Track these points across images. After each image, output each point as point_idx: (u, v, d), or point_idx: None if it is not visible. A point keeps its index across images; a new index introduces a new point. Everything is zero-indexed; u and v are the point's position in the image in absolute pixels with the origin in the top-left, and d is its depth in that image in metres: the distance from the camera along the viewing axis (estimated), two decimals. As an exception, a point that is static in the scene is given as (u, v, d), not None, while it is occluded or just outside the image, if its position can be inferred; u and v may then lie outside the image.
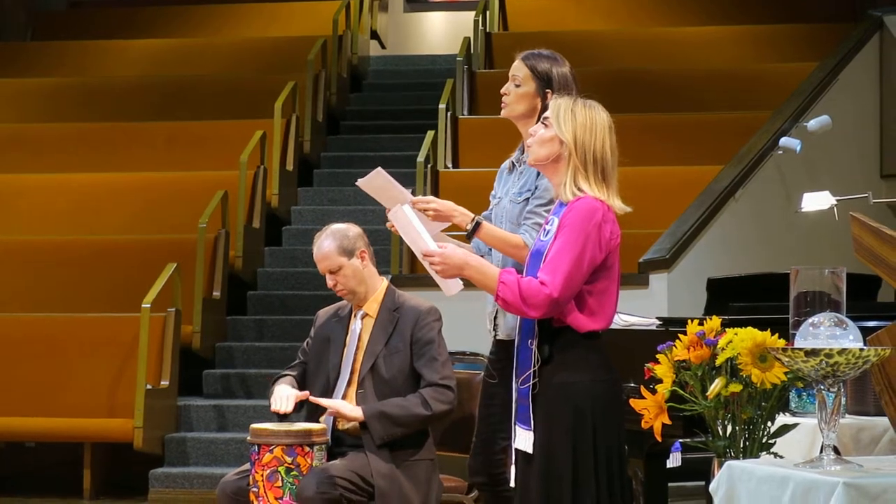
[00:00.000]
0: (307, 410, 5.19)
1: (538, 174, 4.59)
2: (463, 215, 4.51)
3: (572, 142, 3.95)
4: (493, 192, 4.89)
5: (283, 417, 5.10)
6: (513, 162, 4.81)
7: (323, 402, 5.04)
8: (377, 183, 4.56)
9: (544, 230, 4.02)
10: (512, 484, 4.09)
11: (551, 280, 3.83)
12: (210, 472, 8.38)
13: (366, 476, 4.91)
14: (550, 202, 4.52)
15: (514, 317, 4.57)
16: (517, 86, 4.70)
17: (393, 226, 4.41)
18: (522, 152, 4.78)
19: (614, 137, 4.00)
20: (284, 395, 5.07)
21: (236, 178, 10.19)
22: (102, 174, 10.80)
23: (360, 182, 4.59)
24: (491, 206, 4.82)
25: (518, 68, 4.72)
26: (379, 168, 4.58)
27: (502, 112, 4.76)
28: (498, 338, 4.75)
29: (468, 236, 4.55)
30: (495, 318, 4.74)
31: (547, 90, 4.66)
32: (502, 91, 4.75)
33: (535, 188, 4.60)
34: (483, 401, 4.89)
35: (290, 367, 5.31)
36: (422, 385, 5.04)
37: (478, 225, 4.49)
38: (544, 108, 4.57)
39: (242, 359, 9.48)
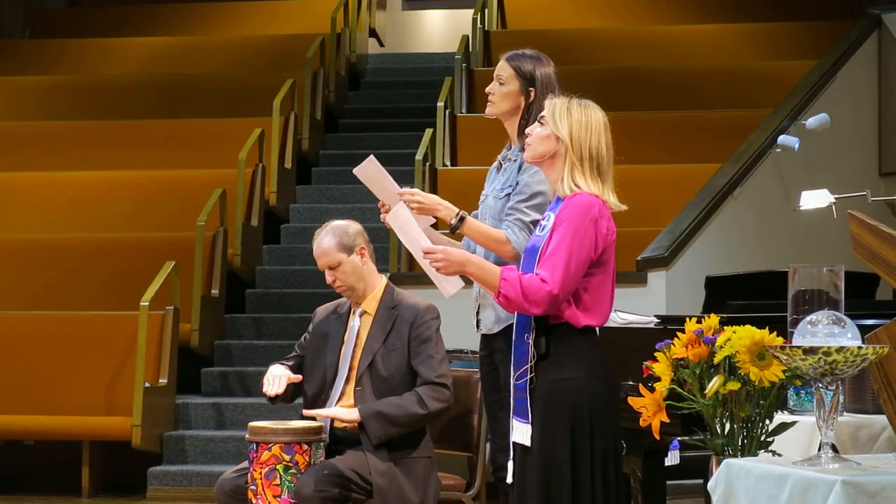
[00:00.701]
0: (305, 407, 5.19)
1: (519, 170, 4.65)
2: (448, 209, 4.55)
3: (568, 138, 3.99)
4: (483, 192, 4.93)
5: (274, 400, 5.10)
6: (500, 161, 4.86)
7: (318, 412, 5.03)
8: (370, 172, 4.60)
9: (540, 226, 4.05)
10: (509, 480, 4.09)
11: (551, 276, 3.87)
12: (208, 470, 8.38)
13: (364, 474, 4.91)
14: (532, 197, 4.59)
15: (496, 311, 4.62)
16: (501, 84, 4.77)
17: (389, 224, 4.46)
18: (509, 150, 4.83)
19: (609, 136, 4.06)
20: (276, 376, 5.08)
21: (235, 176, 10.18)
22: (101, 172, 10.79)
23: (356, 170, 4.64)
24: (480, 206, 4.87)
25: (502, 68, 4.82)
26: (371, 156, 4.61)
27: (487, 110, 4.86)
28: (481, 332, 4.80)
29: (452, 230, 4.59)
30: (478, 312, 4.78)
31: (530, 88, 4.73)
32: (487, 90, 4.83)
33: (517, 184, 4.65)
34: (485, 397, 4.92)
35: (285, 358, 5.31)
36: (418, 383, 5.05)
37: (462, 219, 4.53)
38: (528, 106, 4.70)
39: (241, 357, 9.48)
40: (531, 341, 3.98)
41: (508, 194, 4.69)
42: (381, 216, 4.61)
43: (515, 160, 4.72)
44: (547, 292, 3.85)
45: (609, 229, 3.98)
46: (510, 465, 4.08)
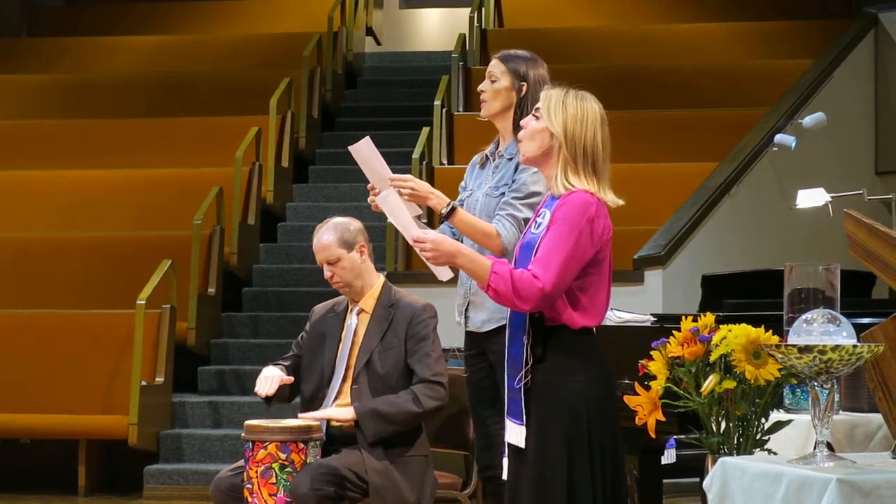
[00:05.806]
0: (301, 406, 5.19)
1: (516, 168, 4.63)
2: (439, 199, 4.54)
3: (562, 133, 3.89)
4: (462, 184, 4.93)
5: (267, 400, 5.10)
6: (486, 156, 4.86)
7: (313, 415, 5.02)
8: (363, 152, 4.58)
9: (535, 222, 3.96)
10: (504, 477, 4.07)
11: (543, 273, 3.78)
12: (205, 468, 8.38)
13: (360, 472, 4.91)
14: (528, 196, 4.59)
15: (486, 311, 4.60)
16: (493, 82, 4.77)
17: (377, 207, 4.47)
18: (497, 147, 4.83)
19: (607, 130, 3.94)
20: (268, 377, 5.08)
21: (231, 175, 10.18)
22: (97, 171, 10.79)
23: (351, 147, 4.62)
24: (460, 197, 4.85)
25: (494, 66, 4.82)
26: (367, 137, 4.60)
27: (482, 111, 4.86)
28: (468, 330, 4.80)
29: (441, 220, 4.58)
30: (466, 310, 4.78)
31: (522, 83, 4.74)
32: (479, 89, 4.82)
33: (513, 181, 4.65)
34: (470, 398, 4.93)
35: (283, 357, 5.31)
36: (414, 381, 5.05)
37: (453, 209, 4.52)
38: (519, 102, 4.68)
39: (237, 355, 9.48)
40: (527, 345, 3.92)
41: (504, 192, 4.68)
42: (370, 198, 4.59)
43: (511, 158, 4.71)
44: (538, 289, 3.77)
45: (605, 228, 3.88)
46: (504, 462, 4.06)
